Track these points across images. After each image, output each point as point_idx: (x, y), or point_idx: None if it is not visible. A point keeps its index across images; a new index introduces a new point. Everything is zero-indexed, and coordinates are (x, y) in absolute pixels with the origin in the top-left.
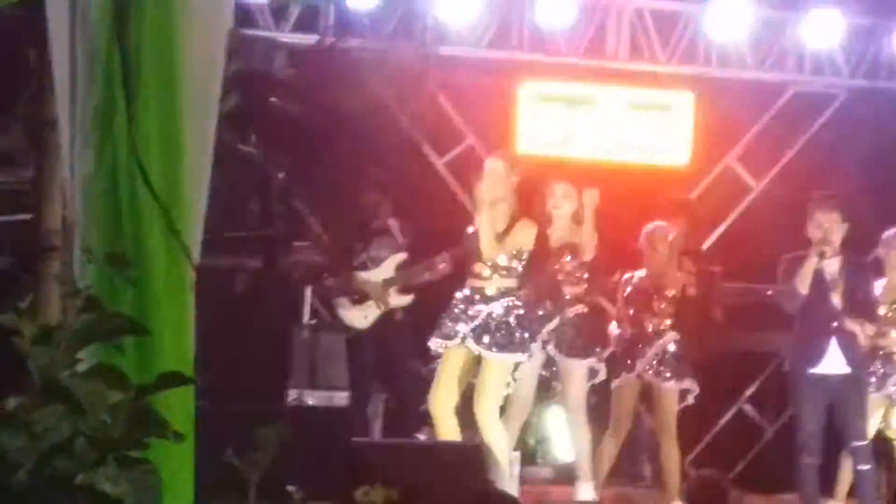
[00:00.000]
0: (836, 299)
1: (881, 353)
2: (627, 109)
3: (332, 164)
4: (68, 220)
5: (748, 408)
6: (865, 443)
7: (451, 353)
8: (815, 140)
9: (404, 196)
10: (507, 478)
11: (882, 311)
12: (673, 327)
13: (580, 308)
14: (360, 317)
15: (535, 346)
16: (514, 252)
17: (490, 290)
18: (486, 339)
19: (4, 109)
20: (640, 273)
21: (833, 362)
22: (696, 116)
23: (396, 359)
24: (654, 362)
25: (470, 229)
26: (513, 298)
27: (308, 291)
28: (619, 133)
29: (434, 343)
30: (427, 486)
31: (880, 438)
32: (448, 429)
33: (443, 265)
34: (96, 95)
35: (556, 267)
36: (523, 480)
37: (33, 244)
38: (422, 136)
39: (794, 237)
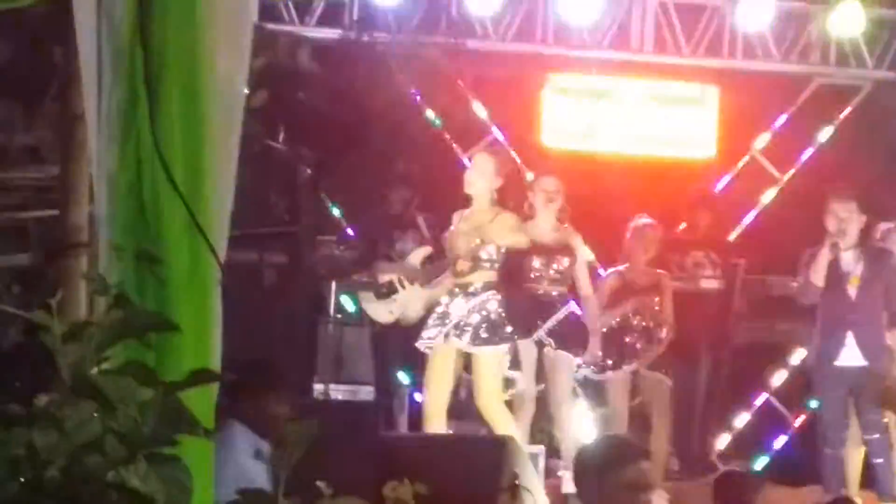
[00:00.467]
0: (853, 291)
1: None
2: (652, 102)
3: (358, 158)
4: (94, 216)
5: (773, 399)
6: (879, 436)
7: (437, 351)
8: (840, 131)
9: (430, 190)
10: (533, 471)
11: None
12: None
13: (571, 306)
14: (385, 311)
15: (528, 342)
16: (497, 246)
17: (472, 286)
18: (471, 334)
19: (31, 106)
20: (621, 268)
21: (851, 355)
22: (720, 109)
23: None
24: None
25: (451, 228)
26: (495, 291)
27: (333, 286)
28: (644, 126)
29: (420, 343)
30: (454, 479)
31: None
32: (438, 429)
33: None
34: (120, 91)
35: (539, 268)
36: (548, 473)
37: (60, 240)
38: (447, 130)
39: (819, 229)
